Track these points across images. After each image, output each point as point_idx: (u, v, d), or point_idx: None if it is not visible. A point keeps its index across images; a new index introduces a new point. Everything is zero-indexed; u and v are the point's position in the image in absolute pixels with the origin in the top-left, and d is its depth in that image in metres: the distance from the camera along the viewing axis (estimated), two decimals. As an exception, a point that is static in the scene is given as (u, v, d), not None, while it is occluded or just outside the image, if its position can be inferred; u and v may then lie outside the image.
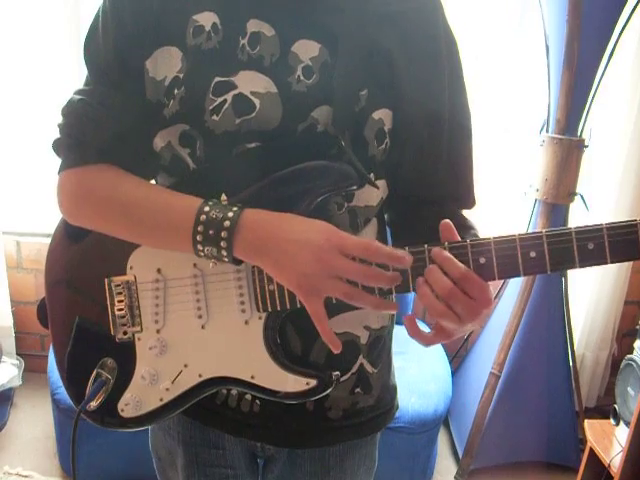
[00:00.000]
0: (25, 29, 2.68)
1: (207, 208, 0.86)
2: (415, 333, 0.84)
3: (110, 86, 0.94)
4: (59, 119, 0.97)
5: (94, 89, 0.96)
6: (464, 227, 0.96)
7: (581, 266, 0.80)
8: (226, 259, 0.87)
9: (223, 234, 0.84)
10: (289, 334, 0.95)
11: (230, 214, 0.85)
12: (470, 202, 1.04)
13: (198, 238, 0.86)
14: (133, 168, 0.96)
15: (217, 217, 0.85)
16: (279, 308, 0.90)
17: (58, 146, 0.98)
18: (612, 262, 0.80)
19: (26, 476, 2.39)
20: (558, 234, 0.80)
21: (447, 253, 0.81)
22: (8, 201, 2.87)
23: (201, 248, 0.87)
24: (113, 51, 0.92)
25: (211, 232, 0.85)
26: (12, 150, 2.81)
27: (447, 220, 0.83)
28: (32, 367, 2.89)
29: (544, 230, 0.80)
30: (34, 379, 2.84)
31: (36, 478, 2.39)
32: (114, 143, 0.95)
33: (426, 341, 0.85)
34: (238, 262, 0.88)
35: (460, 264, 0.80)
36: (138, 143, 0.96)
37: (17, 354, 2.85)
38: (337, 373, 0.92)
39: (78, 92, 0.97)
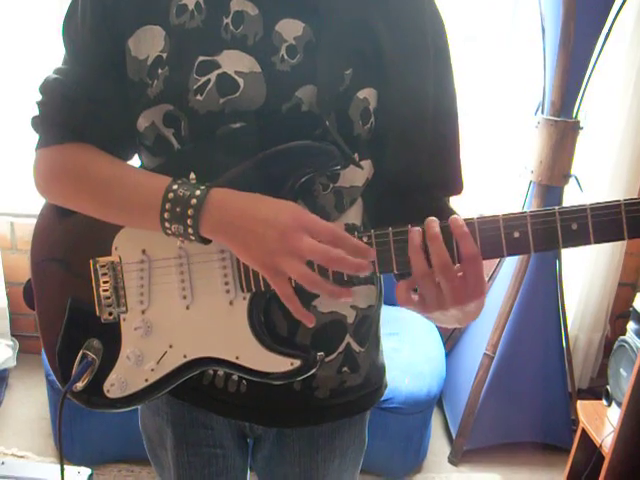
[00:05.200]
0: (22, 15, 2.66)
1: (175, 186, 0.87)
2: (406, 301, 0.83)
3: (86, 66, 0.94)
4: (37, 97, 0.97)
5: (70, 68, 0.96)
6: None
7: (565, 246, 0.79)
8: (192, 237, 0.86)
9: (190, 212, 0.85)
10: (275, 315, 0.95)
11: (197, 192, 0.85)
12: (458, 187, 1.02)
13: (165, 216, 0.86)
14: (109, 147, 0.96)
15: (184, 195, 0.85)
16: (263, 289, 0.90)
17: (36, 124, 0.99)
18: (596, 242, 0.79)
19: (21, 456, 2.40)
20: (542, 214, 0.79)
21: (466, 228, 0.80)
22: (2, 182, 2.86)
23: (168, 226, 0.87)
24: (90, 31, 0.92)
25: (178, 210, 0.85)
26: (5, 131, 2.80)
27: (456, 216, 0.81)
28: (27, 348, 2.89)
29: (528, 210, 0.80)
30: (29, 360, 2.85)
31: (31, 458, 2.40)
32: (88, 123, 0.95)
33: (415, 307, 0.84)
34: (206, 241, 0.87)
35: (474, 244, 0.80)
36: (115, 123, 0.96)
37: (12, 335, 2.85)
38: (321, 353, 0.92)
39: (55, 71, 0.97)
